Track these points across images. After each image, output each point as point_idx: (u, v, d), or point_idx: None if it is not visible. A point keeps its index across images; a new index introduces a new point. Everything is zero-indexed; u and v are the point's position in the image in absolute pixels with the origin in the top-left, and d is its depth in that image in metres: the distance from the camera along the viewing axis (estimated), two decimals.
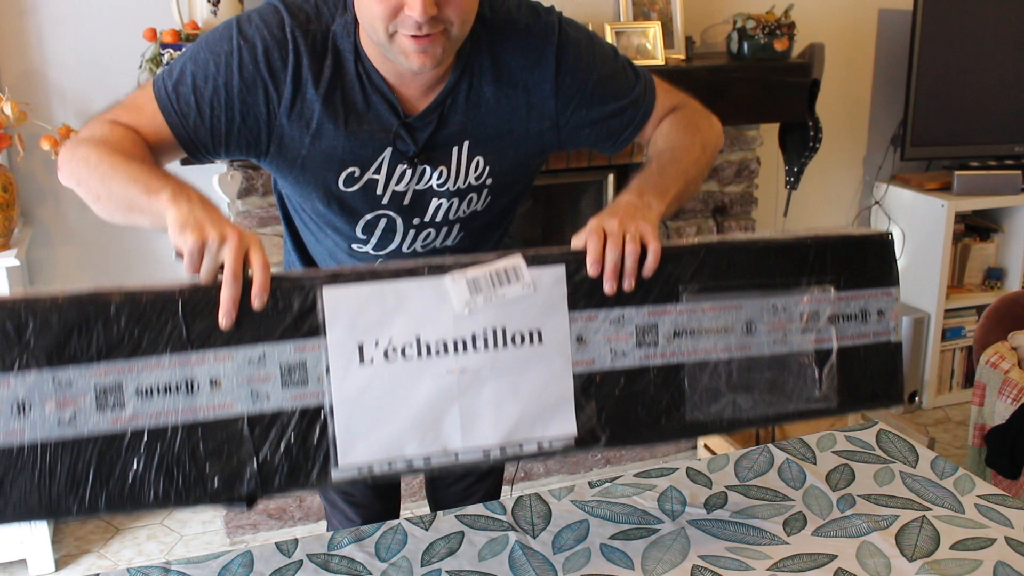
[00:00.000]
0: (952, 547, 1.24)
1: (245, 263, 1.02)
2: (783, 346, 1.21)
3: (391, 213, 1.34)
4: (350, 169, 1.29)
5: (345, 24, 1.24)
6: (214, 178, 2.67)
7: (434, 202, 1.34)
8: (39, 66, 2.65)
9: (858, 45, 3.55)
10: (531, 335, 1.11)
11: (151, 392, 1.00)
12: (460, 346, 1.09)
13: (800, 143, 3.23)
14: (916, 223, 3.52)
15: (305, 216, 1.40)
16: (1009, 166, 3.49)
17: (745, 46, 3.05)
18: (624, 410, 1.15)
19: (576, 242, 1.15)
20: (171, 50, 2.46)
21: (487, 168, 1.33)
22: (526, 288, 1.11)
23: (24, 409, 0.98)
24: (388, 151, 1.28)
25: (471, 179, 1.33)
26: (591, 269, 1.12)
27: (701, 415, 1.17)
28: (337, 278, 1.06)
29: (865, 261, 1.27)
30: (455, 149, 1.30)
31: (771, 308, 1.21)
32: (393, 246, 1.38)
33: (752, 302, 1.20)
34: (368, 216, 1.34)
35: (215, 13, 2.53)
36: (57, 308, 0.98)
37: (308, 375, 1.04)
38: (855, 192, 3.73)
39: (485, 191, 1.35)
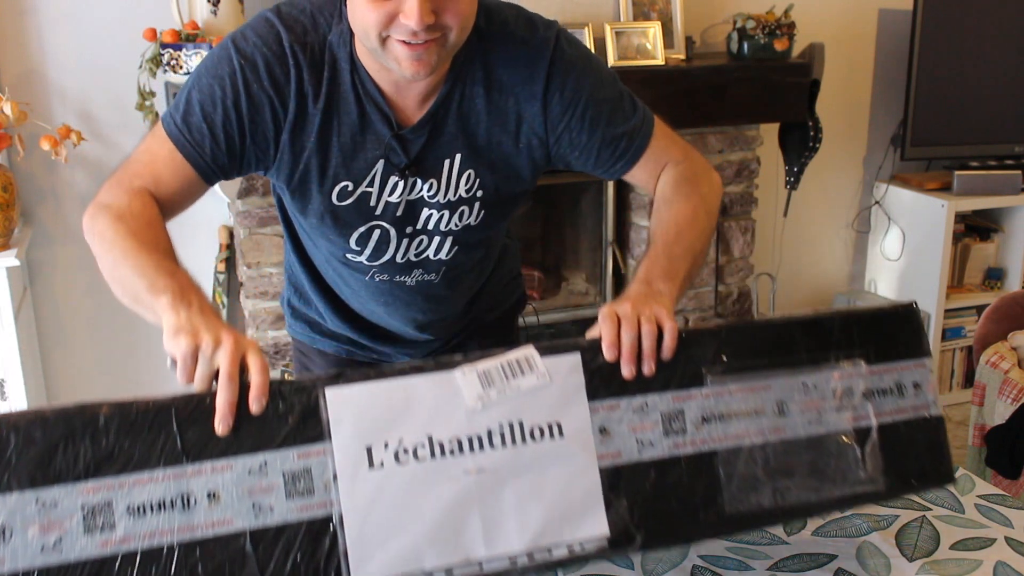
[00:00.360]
0: (952, 547, 1.24)
1: (243, 367, 0.97)
2: (819, 426, 1.15)
3: (384, 224, 1.32)
4: (344, 183, 1.27)
5: (341, 34, 1.22)
6: None
7: (425, 212, 1.32)
8: (39, 66, 2.65)
9: (858, 45, 3.55)
10: (550, 428, 1.05)
11: (143, 510, 0.93)
12: (476, 444, 1.02)
13: (800, 143, 3.23)
14: (916, 223, 3.52)
15: (303, 224, 1.40)
16: (1009, 166, 3.49)
17: (745, 46, 3.05)
18: (658, 506, 1.07)
19: (590, 333, 1.10)
20: (171, 50, 2.46)
21: (478, 181, 1.31)
22: (541, 378, 1.06)
23: (4, 536, 0.90)
24: (381, 163, 1.27)
25: (462, 192, 1.31)
26: (608, 353, 1.08)
27: (741, 506, 1.09)
28: (340, 378, 1.01)
29: (893, 333, 1.22)
30: (447, 162, 1.29)
31: (801, 387, 1.15)
32: (387, 257, 1.36)
33: (781, 381, 1.15)
34: (362, 228, 1.32)
35: (215, 13, 2.54)
36: (42, 423, 0.92)
37: (314, 483, 0.97)
38: (855, 192, 3.73)
39: (477, 204, 1.33)
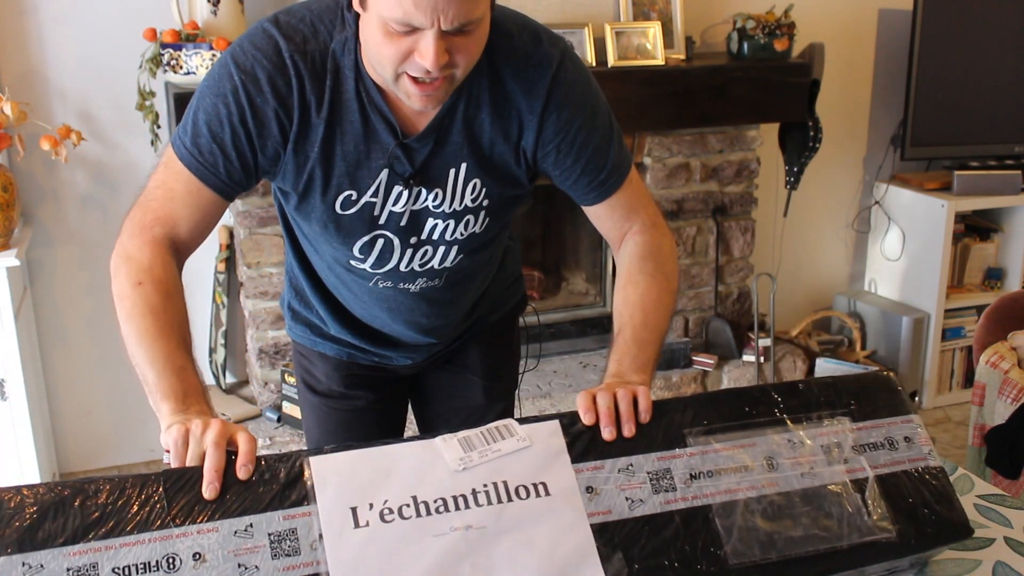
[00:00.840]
0: (951, 547, 1.24)
1: (230, 442, 1.03)
2: (813, 479, 1.13)
3: (388, 233, 1.32)
4: (347, 192, 1.27)
5: (345, 41, 1.20)
6: None
7: (430, 222, 1.32)
8: (39, 66, 2.66)
9: (858, 45, 3.55)
10: (535, 488, 1.05)
11: (129, 572, 0.93)
12: (461, 503, 1.02)
13: (800, 143, 3.23)
14: (916, 223, 3.52)
15: (305, 230, 1.39)
16: (1009, 166, 3.49)
17: (745, 46, 3.05)
18: (657, 560, 1.04)
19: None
20: (171, 50, 2.46)
21: (484, 190, 1.30)
22: (521, 442, 1.08)
23: None
24: (385, 173, 1.26)
25: (467, 201, 1.30)
26: (585, 418, 1.11)
27: (745, 559, 1.06)
28: (323, 450, 1.04)
29: (873, 396, 1.23)
30: (452, 171, 1.27)
31: (787, 443, 1.15)
32: (391, 265, 1.36)
33: (765, 438, 1.15)
34: (365, 238, 1.32)
35: (215, 13, 2.54)
36: (35, 495, 0.95)
37: (300, 544, 0.97)
38: (855, 192, 3.73)
39: (483, 213, 1.32)
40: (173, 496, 0.98)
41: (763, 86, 3.02)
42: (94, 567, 0.93)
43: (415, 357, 1.55)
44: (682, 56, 3.03)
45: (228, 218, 2.86)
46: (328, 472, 1.02)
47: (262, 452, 1.04)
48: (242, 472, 1.00)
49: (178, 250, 1.26)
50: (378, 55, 1.13)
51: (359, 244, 1.32)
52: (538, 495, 1.05)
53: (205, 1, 2.53)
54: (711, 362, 3.18)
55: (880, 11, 3.54)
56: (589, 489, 1.07)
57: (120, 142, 2.76)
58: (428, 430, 1.65)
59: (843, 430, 1.19)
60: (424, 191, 1.28)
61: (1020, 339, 2.49)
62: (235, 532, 0.97)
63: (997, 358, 2.47)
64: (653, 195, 3.09)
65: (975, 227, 3.61)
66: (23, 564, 0.92)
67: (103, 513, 0.95)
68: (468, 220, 1.32)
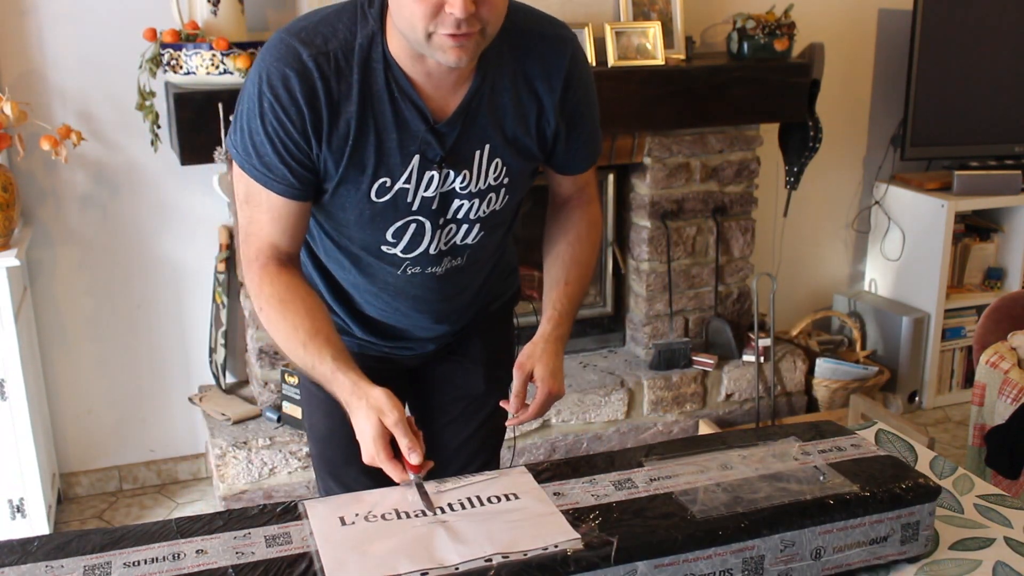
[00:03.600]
0: (951, 547, 1.24)
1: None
2: (767, 470, 1.23)
3: (420, 218, 1.38)
4: (382, 180, 1.33)
5: (371, 35, 1.27)
6: (214, 178, 2.68)
7: (456, 203, 1.38)
8: (39, 66, 2.65)
9: (858, 45, 3.55)
10: (506, 496, 1.19)
11: (138, 563, 1.07)
12: (439, 510, 1.16)
13: (800, 143, 3.23)
14: (916, 223, 3.52)
15: (338, 220, 1.42)
16: (1009, 166, 3.49)
17: (745, 46, 3.05)
18: (627, 522, 1.12)
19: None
20: (171, 50, 2.46)
21: (505, 168, 1.39)
22: (489, 475, 1.25)
23: None
24: (416, 159, 1.32)
25: (491, 180, 1.39)
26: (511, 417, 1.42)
27: (714, 513, 1.13)
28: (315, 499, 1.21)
29: (820, 428, 1.37)
30: (477, 152, 1.36)
31: (739, 457, 1.27)
32: (421, 249, 1.42)
33: (718, 456, 1.27)
34: (398, 223, 1.38)
35: (215, 13, 2.54)
36: (61, 535, 1.12)
37: (292, 539, 1.11)
38: (855, 192, 3.73)
39: (503, 190, 1.41)
40: (182, 524, 1.14)
41: (763, 86, 3.02)
42: (107, 564, 1.06)
43: (424, 348, 1.60)
44: (682, 56, 3.03)
45: (228, 218, 2.86)
46: (318, 504, 1.18)
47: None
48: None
49: (287, 259, 1.39)
50: (410, 16, 1.19)
51: (392, 229, 1.38)
52: (509, 500, 1.18)
53: (205, 1, 2.53)
54: (711, 362, 3.18)
55: (880, 11, 3.53)
56: (556, 494, 1.19)
57: (120, 142, 2.76)
58: (427, 424, 1.66)
59: (791, 444, 1.30)
60: (452, 173, 1.35)
61: (1020, 339, 2.49)
62: (234, 537, 1.11)
63: (997, 358, 2.47)
64: (653, 195, 3.10)
65: (975, 227, 3.61)
66: (47, 567, 1.06)
67: (121, 538, 1.11)
68: (491, 198, 1.41)
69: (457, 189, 1.37)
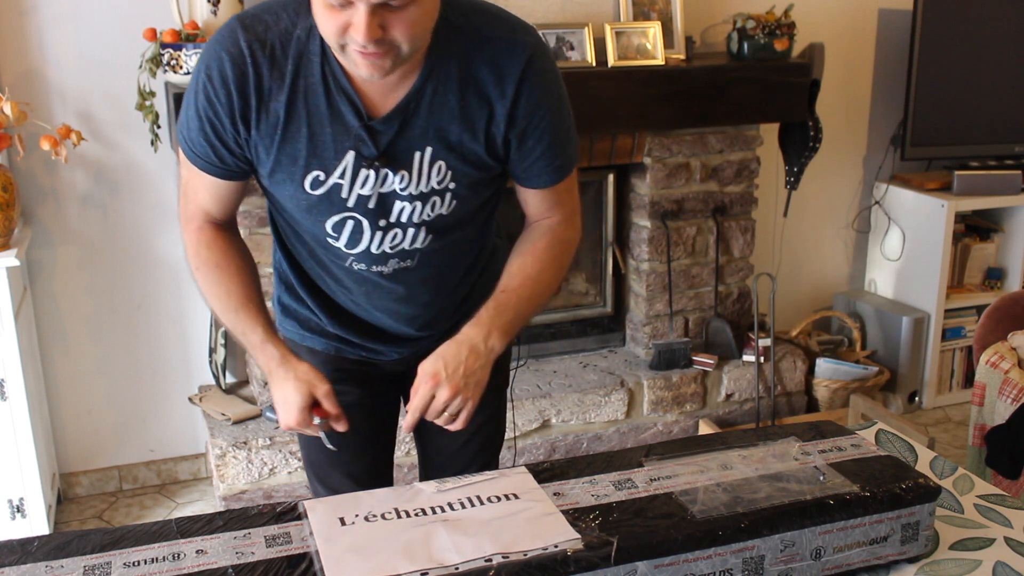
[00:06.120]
0: (951, 547, 1.24)
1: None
2: (767, 470, 1.23)
3: (357, 215, 1.35)
4: (315, 173, 1.31)
5: (310, 27, 1.25)
6: None
7: (398, 204, 1.35)
8: (39, 66, 2.65)
9: (858, 45, 3.55)
10: (506, 496, 1.19)
11: (138, 563, 1.07)
12: (439, 510, 1.16)
13: (800, 143, 3.23)
14: (916, 223, 3.52)
15: (283, 207, 1.42)
16: (1009, 166, 3.49)
17: (745, 46, 3.05)
18: (627, 522, 1.12)
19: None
20: (171, 50, 2.46)
21: (449, 173, 1.34)
22: (489, 475, 1.25)
23: None
24: (351, 155, 1.30)
25: (433, 183, 1.34)
26: (408, 420, 1.33)
27: (714, 513, 1.13)
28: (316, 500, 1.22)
29: (820, 428, 1.36)
30: (417, 154, 1.31)
31: (739, 457, 1.26)
32: (362, 247, 1.39)
33: (718, 455, 1.27)
34: (336, 217, 1.36)
35: (215, 13, 2.54)
36: (61, 536, 1.13)
37: (292, 539, 1.12)
38: (855, 192, 3.72)
39: (448, 195, 1.36)
40: (182, 523, 1.15)
41: (763, 86, 3.02)
42: (107, 564, 1.07)
43: (403, 351, 1.56)
44: (682, 56, 3.03)
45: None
46: (318, 503, 1.19)
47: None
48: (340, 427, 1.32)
49: (223, 224, 1.42)
50: (324, 29, 1.20)
51: (330, 223, 1.37)
52: (509, 500, 1.18)
53: (205, 1, 2.53)
54: (711, 362, 3.18)
55: (880, 11, 3.53)
56: (556, 494, 1.19)
57: (120, 142, 2.76)
58: (419, 434, 1.65)
59: (791, 444, 1.30)
60: (390, 173, 1.32)
61: (1020, 339, 2.49)
62: (234, 537, 1.12)
63: (997, 358, 2.47)
64: (652, 195, 3.10)
65: (975, 227, 3.61)
66: (47, 567, 1.07)
67: (120, 537, 1.12)
68: (435, 202, 1.36)
69: (397, 190, 1.33)
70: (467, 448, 1.65)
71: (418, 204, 1.35)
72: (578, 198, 1.48)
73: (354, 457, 1.59)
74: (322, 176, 1.31)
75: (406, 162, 1.32)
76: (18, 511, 2.53)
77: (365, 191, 1.33)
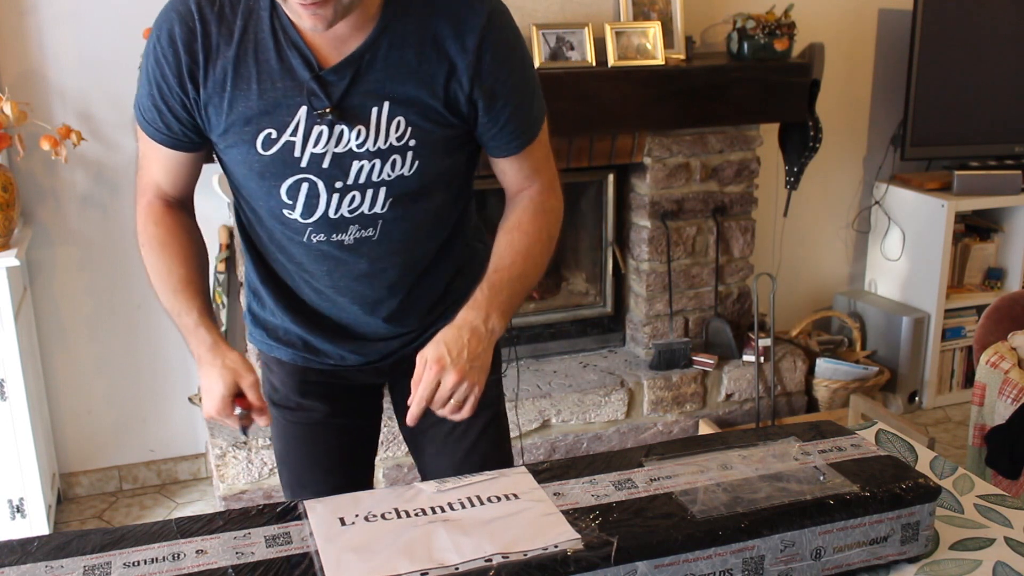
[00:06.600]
0: (951, 547, 1.24)
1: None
2: (767, 470, 1.23)
3: (312, 177, 1.32)
4: (267, 131, 1.29)
5: None
6: (214, 178, 2.67)
7: (355, 164, 1.31)
8: (39, 66, 2.65)
9: (858, 45, 3.55)
10: (506, 496, 1.19)
11: (138, 563, 1.07)
12: (439, 509, 1.16)
13: (800, 143, 3.23)
14: (916, 223, 3.52)
15: (238, 180, 1.39)
16: (1009, 166, 3.49)
17: (745, 46, 3.05)
18: (627, 522, 1.12)
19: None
20: None
21: (409, 129, 1.30)
22: (488, 475, 1.25)
23: None
24: (303, 110, 1.27)
25: (392, 140, 1.30)
26: (414, 408, 1.28)
27: (714, 513, 1.12)
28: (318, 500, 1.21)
29: (820, 428, 1.36)
30: (374, 109, 1.28)
31: (739, 457, 1.26)
32: (319, 213, 1.35)
33: (717, 455, 1.27)
34: (289, 180, 1.32)
35: None
36: (61, 536, 1.12)
37: (292, 539, 1.12)
38: (855, 192, 3.72)
39: (410, 154, 1.32)
40: (182, 523, 1.15)
41: (763, 86, 3.02)
42: (107, 564, 1.07)
43: (371, 356, 1.49)
44: (682, 56, 3.03)
45: (228, 218, 2.86)
46: (318, 503, 1.19)
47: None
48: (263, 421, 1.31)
49: (174, 202, 1.41)
50: None
51: (284, 187, 1.33)
52: (509, 500, 1.18)
53: None
54: (711, 362, 3.18)
55: (880, 11, 3.53)
56: (556, 494, 1.19)
57: (120, 142, 2.76)
58: (416, 447, 1.59)
59: (791, 444, 1.30)
60: (346, 129, 1.29)
61: (1020, 339, 2.49)
62: (234, 537, 1.12)
63: (997, 358, 2.47)
64: (652, 195, 3.10)
65: (975, 227, 3.61)
66: (46, 567, 1.07)
67: (120, 537, 1.12)
68: (395, 160, 1.32)
69: (354, 148, 1.29)
70: (464, 467, 1.51)
71: (377, 162, 1.31)
72: (555, 167, 1.46)
73: (325, 477, 1.56)
74: (274, 134, 1.29)
75: (363, 117, 1.28)
76: (18, 511, 2.53)
77: (318, 149, 1.29)
